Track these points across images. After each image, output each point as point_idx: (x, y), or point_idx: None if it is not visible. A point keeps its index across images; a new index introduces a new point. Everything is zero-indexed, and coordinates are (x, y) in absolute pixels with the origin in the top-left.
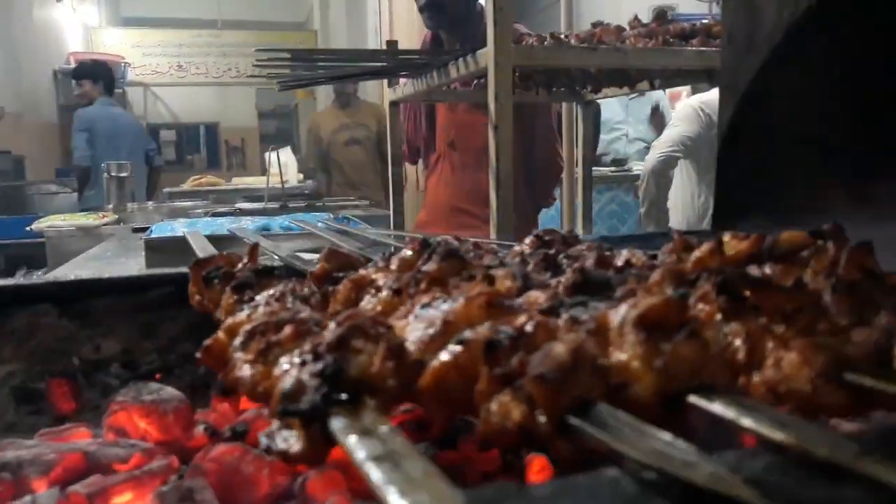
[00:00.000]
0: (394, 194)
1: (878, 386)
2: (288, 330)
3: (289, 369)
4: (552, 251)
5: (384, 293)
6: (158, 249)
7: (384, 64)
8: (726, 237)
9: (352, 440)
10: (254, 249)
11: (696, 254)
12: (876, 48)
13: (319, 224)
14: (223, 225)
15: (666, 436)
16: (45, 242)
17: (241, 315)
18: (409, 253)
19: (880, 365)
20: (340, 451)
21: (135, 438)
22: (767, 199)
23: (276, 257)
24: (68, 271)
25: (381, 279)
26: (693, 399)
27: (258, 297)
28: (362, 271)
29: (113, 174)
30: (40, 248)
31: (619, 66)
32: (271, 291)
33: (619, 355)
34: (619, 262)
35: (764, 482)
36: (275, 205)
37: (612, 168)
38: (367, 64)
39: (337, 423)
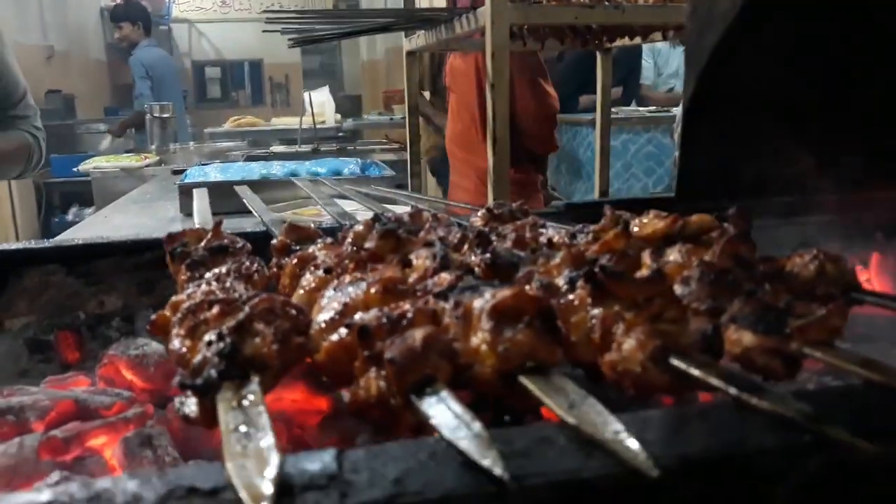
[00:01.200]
0: (411, 144)
1: (693, 372)
2: (214, 310)
3: (202, 347)
4: (487, 229)
5: (319, 272)
6: (191, 194)
7: (394, 20)
8: (648, 216)
9: (223, 412)
10: (217, 227)
11: (604, 237)
12: (837, 18)
13: (346, 169)
14: (254, 170)
15: (468, 416)
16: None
17: (183, 294)
18: (361, 228)
19: (704, 352)
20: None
21: (122, 388)
22: (732, 170)
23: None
24: (111, 213)
25: (322, 256)
26: (522, 378)
27: (207, 275)
28: (315, 247)
29: (156, 115)
30: (89, 186)
31: (619, 23)
32: (219, 269)
33: (473, 339)
34: (542, 240)
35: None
36: (307, 148)
37: (650, 109)
38: (377, 20)
39: (223, 396)
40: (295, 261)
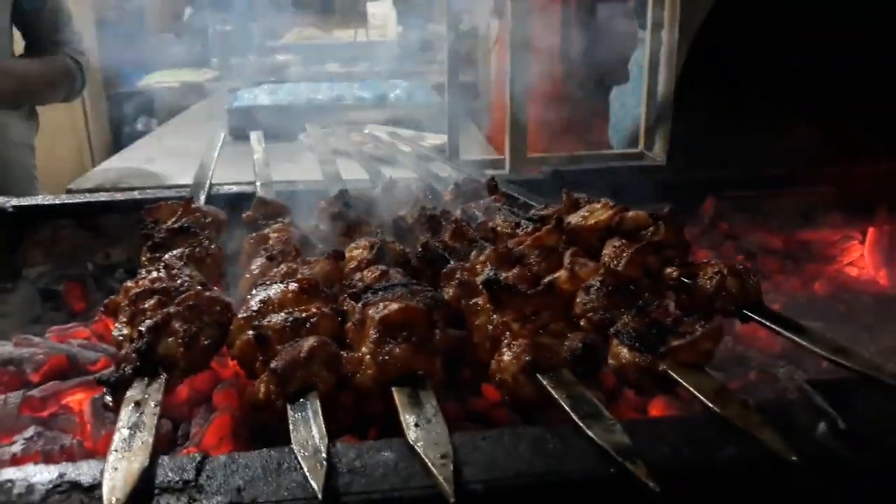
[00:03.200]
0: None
1: (551, 390)
2: (152, 300)
3: (126, 344)
4: (437, 213)
5: (261, 259)
6: (241, 117)
7: None
8: (598, 205)
9: (122, 409)
10: (187, 204)
11: (537, 233)
12: None
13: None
14: (302, 93)
15: (319, 431)
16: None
17: (131, 281)
18: (324, 204)
19: (576, 368)
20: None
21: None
22: (725, 138)
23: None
24: (165, 133)
25: (273, 237)
26: (396, 390)
27: (166, 256)
28: (270, 228)
29: (218, 28)
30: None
31: None
32: (176, 251)
33: (362, 349)
34: (484, 228)
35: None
36: (359, 67)
37: None
38: None
39: (130, 392)
40: (252, 241)
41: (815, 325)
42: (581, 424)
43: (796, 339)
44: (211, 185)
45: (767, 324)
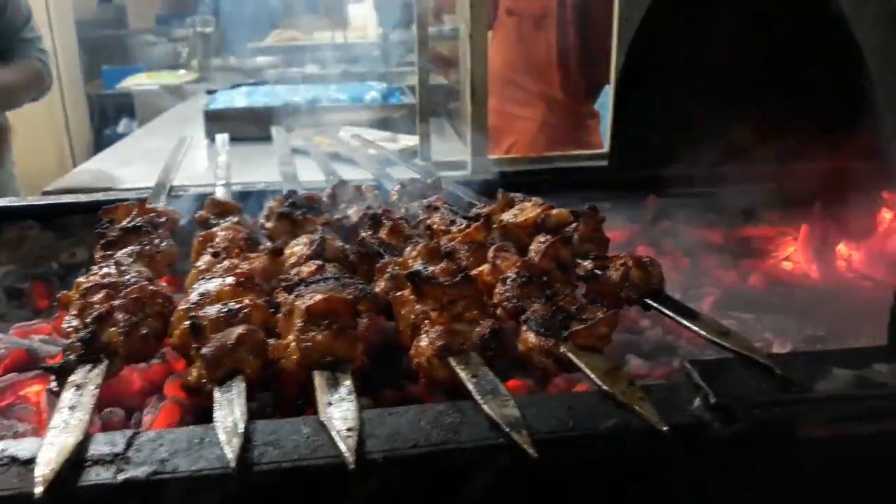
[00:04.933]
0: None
1: (458, 371)
2: (101, 294)
3: (72, 334)
4: (379, 212)
5: (207, 256)
6: (217, 120)
7: None
8: (529, 203)
9: (64, 391)
10: (142, 204)
11: (468, 229)
12: None
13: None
14: (279, 94)
15: (241, 409)
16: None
17: (83, 277)
18: (274, 203)
19: (484, 352)
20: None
21: None
22: (668, 139)
23: None
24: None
25: (221, 236)
26: (316, 373)
27: (118, 254)
28: (219, 227)
29: (198, 29)
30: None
31: None
32: (127, 249)
33: (288, 336)
34: (422, 225)
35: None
36: (338, 70)
37: None
38: None
39: (72, 377)
40: (200, 238)
41: (747, 316)
42: (479, 400)
43: (687, 324)
44: (172, 188)
45: (664, 311)
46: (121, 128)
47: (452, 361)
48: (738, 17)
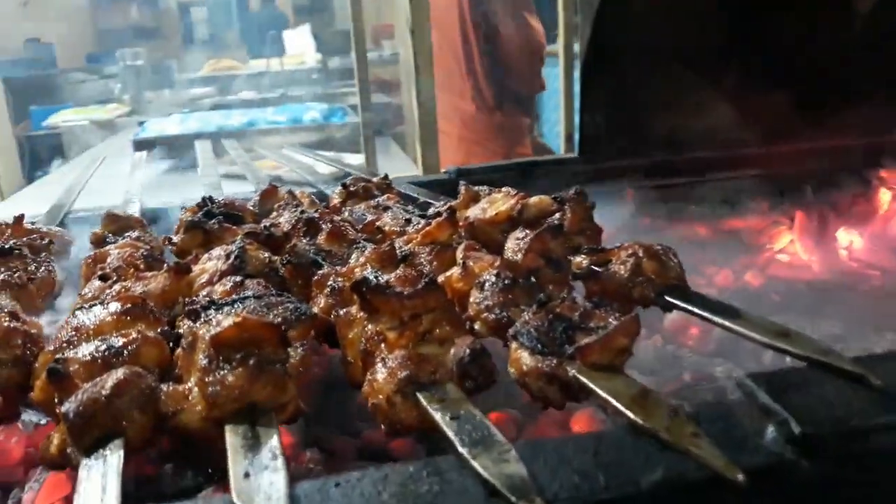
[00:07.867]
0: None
1: (433, 413)
2: None
3: None
4: (316, 216)
5: (95, 282)
6: (146, 148)
7: None
8: (500, 195)
9: None
10: (18, 223)
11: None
12: None
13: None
14: (212, 121)
15: (115, 487)
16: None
17: None
18: (187, 214)
19: (463, 381)
20: None
21: None
22: (641, 124)
23: None
24: (69, 171)
25: (114, 255)
26: (229, 429)
27: None
28: (112, 245)
29: (128, 63)
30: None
31: None
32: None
33: (188, 379)
34: (371, 228)
35: None
36: (275, 94)
37: None
38: None
39: None
40: (90, 260)
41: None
42: (465, 453)
43: (731, 325)
44: (69, 211)
45: (695, 310)
46: (52, 169)
47: (423, 399)
48: None
